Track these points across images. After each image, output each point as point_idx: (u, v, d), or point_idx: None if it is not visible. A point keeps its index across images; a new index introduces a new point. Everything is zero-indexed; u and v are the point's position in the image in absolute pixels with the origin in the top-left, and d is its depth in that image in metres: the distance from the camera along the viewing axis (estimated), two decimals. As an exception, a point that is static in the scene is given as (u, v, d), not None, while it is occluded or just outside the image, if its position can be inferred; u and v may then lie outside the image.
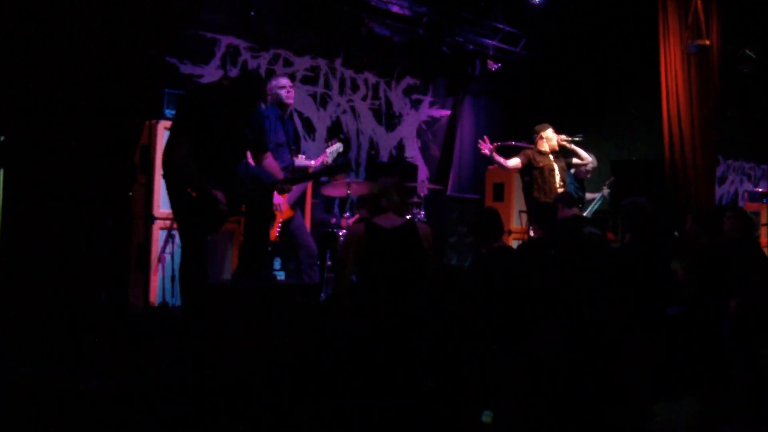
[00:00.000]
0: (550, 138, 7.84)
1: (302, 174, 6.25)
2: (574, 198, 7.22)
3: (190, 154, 4.75)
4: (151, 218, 6.07)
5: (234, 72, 8.55)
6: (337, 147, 6.78)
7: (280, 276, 6.71)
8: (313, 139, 9.46)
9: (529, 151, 7.84)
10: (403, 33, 10.15)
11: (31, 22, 4.51)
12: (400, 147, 10.66)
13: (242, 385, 4.02)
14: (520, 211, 8.53)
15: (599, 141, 10.57)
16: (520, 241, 8.56)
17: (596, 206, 9.18)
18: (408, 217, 4.83)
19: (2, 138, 4.56)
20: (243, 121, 5.02)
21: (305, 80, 9.38)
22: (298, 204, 6.59)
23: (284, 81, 6.45)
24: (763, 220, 10.19)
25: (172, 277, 6.08)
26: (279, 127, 6.34)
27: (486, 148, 7.63)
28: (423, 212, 8.35)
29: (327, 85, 9.67)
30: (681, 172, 8.86)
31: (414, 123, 10.90)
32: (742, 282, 5.41)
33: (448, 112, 11.26)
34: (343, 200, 8.14)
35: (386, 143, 10.49)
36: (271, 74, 8.81)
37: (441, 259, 5.13)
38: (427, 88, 11.09)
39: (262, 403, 3.97)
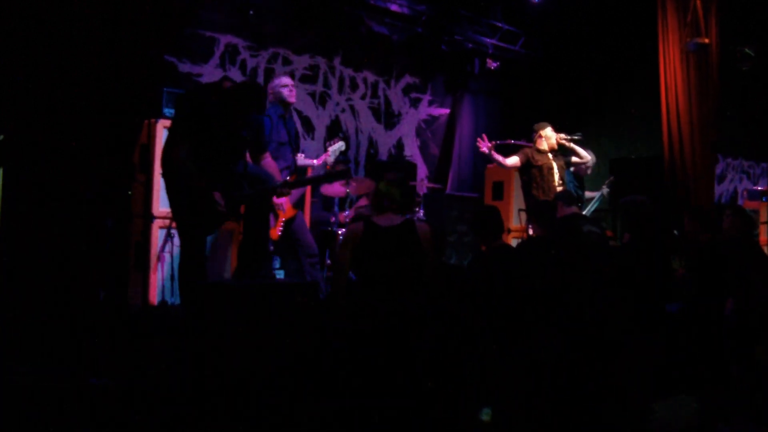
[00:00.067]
0: (549, 136, 7.84)
1: (302, 179, 6.25)
2: (573, 196, 7.22)
3: (189, 154, 4.75)
4: (150, 217, 6.06)
5: (233, 71, 8.54)
6: (339, 146, 6.78)
7: (280, 275, 6.71)
8: (312, 138, 9.46)
9: (528, 150, 7.84)
10: (402, 31, 10.15)
11: (31, 22, 4.51)
12: (400, 146, 10.66)
13: (242, 385, 4.02)
14: (520, 210, 8.53)
15: (599, 140, 10.57)
16: (520, 240, 8.56)
17: (595, 205, 9.19)
18: (407, 216, 4.81)
19: (2, 137, 4.56)
20: (242, 122, 5.02)
21: (304, 79, 9.38)
22: (299, 203, 6.59)
23: (286, 80, 6.45)
24: (763, 219, 10.19)
25: (172, 276, 6.08)
26: (281, 126, 6.34)
27: (485, 146, 7.63)
28: (422, 211, 8.35)
29: (326, 84, 9.66)
30: (680, 170, 8.86)
31: (413, 122, 10.90)
32: (741, 281, 5.40)
33: (447, 111, 11.27)
34: (342, 200, 8.14)
35: (385, 142, 10.49)
36: (270, 73, 8.82)
37: (440, 257, 5.13)
38: (426, 86, 11.09)
39: (262, 403, 3.97)
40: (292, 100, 6.45)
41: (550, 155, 7.81)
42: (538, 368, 4.00)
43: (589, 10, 10.92)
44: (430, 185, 9.66)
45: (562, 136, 7.90)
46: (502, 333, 4.40)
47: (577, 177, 8.59)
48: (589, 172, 8.63)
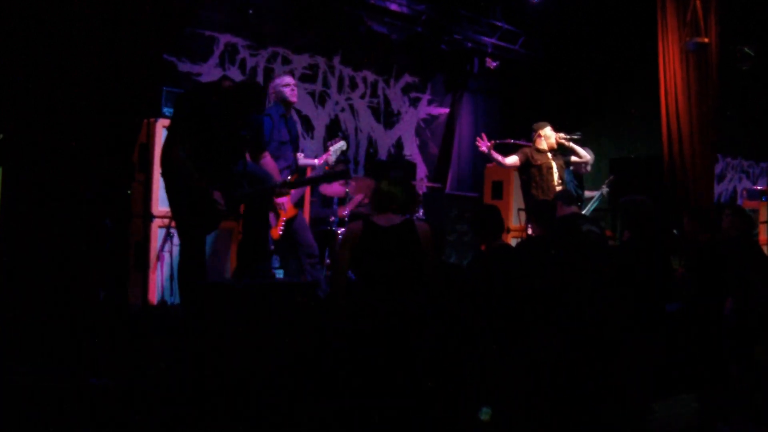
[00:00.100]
0: (548, 136, 7.85)
1: (302, 180, 6.25)
2: (573, 196, 7.22)
3: (189, 154, 4.75)
4: (149, 216, 6.06)
5: (233, 70, 8.54)
6: (340, 145, 6.78)
7: (279, 274, 6.71)
8: (312, 138, 9.46)
9: (527, 149, 7.85)
10: (402, 31, 10.15)
11: (31, 22, 4.50)
12: (399, 145, 10.66)
13: (242, 385, 4.03)
14: (519, 209, 8.53)
15: (599, 140, 10.58)
16: (519, 239, 8.57)
17: (595, 204, 9.19)
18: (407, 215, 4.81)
19: (2, 137, 4.55)
20: (242, 121, 5.02)
21: (304, 78, 9.38)
22: (300, 203, 6.60)
23: (288, 79, 6.44)
24: (762, 218, 10.20)
25: (171, 276, 6.07)
26: (282, 125, 6.34)
27: (484, 145, 7.64)
28: (422, 210, 8.36)
29: (325, 83, 9.67)
30: (680, 169, 8.87)
31: (412, 121, 10.90)
32: (740, 281, 5.41)
33: (446, 110, 11.27)
34: (342, 199, 8.14)
35: (385, 141, 10.49)
36: (269, 72, 8.82)
37: (439, 257, 5.12)
38: (426, 86, 11.09)
39: (262, 403, 3.97)
40: (294, 99, 6.44)
41: (549, 155, 7.82)
42: (538, 368, 4.00)
43: (589, 10, 10.92)
44: (430, 185, 9.66)
45: (562, 135, 7.90)
46: (502, 333, 4.40)
47: (577, 176, 8.60)
48: (588, 169, 8.63)
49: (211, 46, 8.38)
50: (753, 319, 5.25)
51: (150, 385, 4.06)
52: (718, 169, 12.50)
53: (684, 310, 5.55)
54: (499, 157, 7.74)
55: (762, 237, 10.05)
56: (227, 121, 4.90)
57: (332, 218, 7.73)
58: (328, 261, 7.46)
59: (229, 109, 4.89)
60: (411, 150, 10.82)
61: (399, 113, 10.67)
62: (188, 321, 4.79)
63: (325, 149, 6.87)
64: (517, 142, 7.99)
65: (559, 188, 7.64)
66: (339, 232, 7.26)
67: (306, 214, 7.13)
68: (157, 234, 6.12)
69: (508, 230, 8.82)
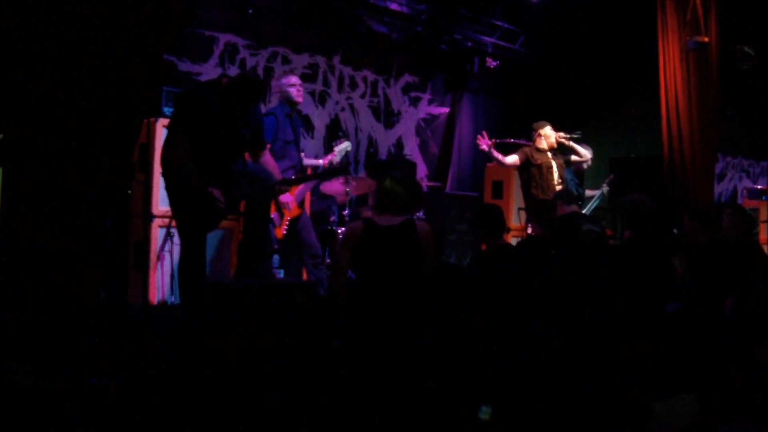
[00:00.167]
0: (548, 135, 7.85)
1: (302, 177, 6.26)
2: (573, 195, 7.22)
3: (189, 153, 4.75)
4: (149, 216, 6.06)
5: (233, 70, 8.54)
6: (345, 146, 6.78)
7: (280, 274, 6.71)
8: (312, 137, 9.46)
9: (527, 149, 7.85)
10: (402, 30, 10.14)
11: (31, 22, 4.50)
12: (399, 144, 10.66)
13: (242, 385, 4.03)
14: (519, 209, 8.53)
15: (599, 140, 10.57)
16: (519, 239, 8.57)
17: (596, 203, 9.19)
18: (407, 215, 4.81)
19: (2, 137, 4.55)
20: (242, 121, 5.01)
21: (304, 78, 9.33)
22: (303, 202, 6.60)
23: (294, 79, 6.44)
24: (762, 218, 10.20)
25: (171, 276, 6.07)
26: (287, 125, 6.34)
27: (484, 143, 7.64)
28: (422, 210, 8.35)
29: (326, 83, 9.66)
30: (680, 168, 8.86)
31: (413, 120, 10.90)
32: (741, 280, 5.40)
33: (446, 110, 11.26)
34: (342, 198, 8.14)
35: (385, 141, 10.49)
36: (269, 72, 8.82)
37: (439, 256, 5.12)
38: (426, 85, 11.09)
39: (262, 403, 3.97)
40: (300, 100, 6.45)
41: (549, 154, 7.82)
42: (538, 368, 4.00)
43: (589, 10, 10.92)
44: (430, 184, 9.65)
45: (562, 134, 7.90)
46: (502, 333, 4.40)
47: (578, 175, 8.59)
48: (589, 164, 8.64)
49: (211, 46, 8.38)
50: (753, 318, 5.24)
51: (150, 385, 4.06)
52: (718, 168, 12.50)
53: (684, 310, 5.54)
54: (500, 156, 7.74)
55: (762, 236, 10.05)
56: (227, 119, 4.90)
57: (332, 218, 7.73)
58: (328, 261, 7.46)
59: (229, 105, 4.89)
60: (411, 149, 10.82)
61: (399, 113, 10.66)
62: (188, 321, 4.79)
63: (329, 150, 6.86)
64: (517, 141, 7.99)
65: (559, 187, 7.64)
66: (339, 231, 7.26)
67: (305, 208, 7.14)
68: (157, 234, 6.12)
69: (508, 230, 8.82)
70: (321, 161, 6.77)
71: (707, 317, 5.37)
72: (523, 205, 8.12)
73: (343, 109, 9.91)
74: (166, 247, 6.07)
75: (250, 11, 8.35)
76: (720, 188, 13.11)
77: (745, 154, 13.91)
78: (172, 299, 6.11)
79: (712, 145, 9.05)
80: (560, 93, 11.61)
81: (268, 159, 5.39)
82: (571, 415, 3.90)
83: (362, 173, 9.82)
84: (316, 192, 8.12)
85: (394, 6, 9.68)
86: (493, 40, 10.93)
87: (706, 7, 8.80)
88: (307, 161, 6.73)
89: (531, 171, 7.79)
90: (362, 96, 10.17)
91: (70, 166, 4.70)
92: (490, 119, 11.75)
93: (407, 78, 10.78)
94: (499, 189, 9.29)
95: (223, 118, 4.87)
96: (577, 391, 3.93)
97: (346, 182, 7.05)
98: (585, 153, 8.05)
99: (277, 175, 5.42)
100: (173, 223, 5.88)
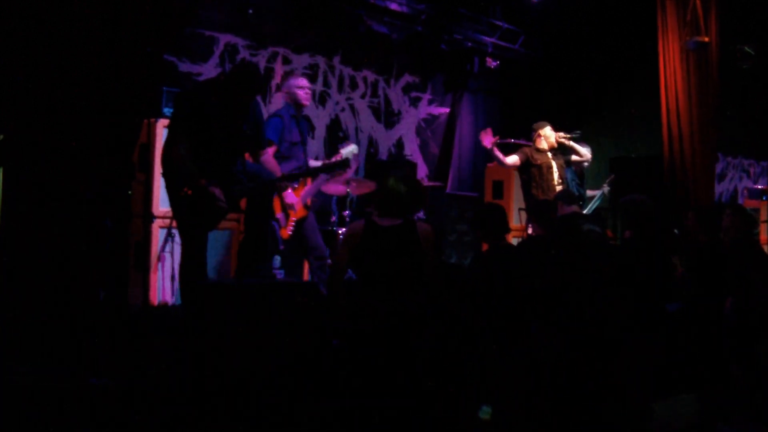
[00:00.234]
0: (548, 135, 7.86)
1: (301, 172, 6.25)
2: (573, 195, 7.23)
3: (189, 153, 4.75)
4: (150, 217, 6.06)
5: (233, 70, 8.53)
6: (351, 148, 6.77)
7: (280, 274, 6.71)
8: (312, 137, 9.45)
9: (527, 149, 7.86)
10: (402, 30, 10.13)
11: (31, 22, 4.50)
12: (399, 145, 10.65)
13: (242, 385, 4.02)
14: (520, 209, 8.53)
15: (599, 140, 10.57)
16: (520, 239, 8.57)
17: (596, 203, 9.19)
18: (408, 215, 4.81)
19: (2, 137, 4.55)
20: (242, 119, 5.01)
21: (304, 78, 9.37)
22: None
23: (303, 82, 6.46)
24: (763, 217, 10.21)
25: (172, 276, 6.07)
26: (294, 126, 6.35)
27: (488, 140, 7.63)
28: (422, 210, 8.35)
29: (326, 83, 9.65)
30: (680, 168, 8.86)
31: (413, 121, 10.89)
32: (741, 280, 5.40)
33: (447, 110, 11.26)
34: (342, 198, 8.13)
35: (385, 141, 10.48)
36: (269, 72, 8.82)
37: (439, 256, 5.13)
38: (426, 85, 11.08)
39: (262, 403, 3.97)
40: (306, 102, 6.48)
41: (549, 154, 7.83)
42: (538, 368, 4.00)
43: (589, 10, 10.91)
44: (430, 184, 9.65)
45: (562, 134, 7.91)
46: (502, 333, 4.40)
47: (579, 175, 8.60)
48: (588, 164, 8.64)
49: (211, 46, 8.37)
50: (753, 318, 5.24)
51: (150, 385, 4.06)
52: (718, 168, 12.49)
53: (684, 310, 5.54)
54: (501, 156, 7.75)
55: (763, 236, 10.05)
56: (227, 117, 4.89)
57: (333, 218, 7.72)
58: (329, 261, 7.45)
59: (228, 101, 4.89)
60: (411, 150, 10.81)
61: (399, 113, 10.66)
62: (188, 321, 4.80)
63: (334, 151, 6.86)
64: (518, 141, 8.00)
65: (559, 188, 7.64)
66: (339, 232, 7.26)
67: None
68: (157, 234, 6.12)
69: (509, 230, 8.81)
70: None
71: (707, 317, 5.37)
72: (523, 206, 8.12)
73: (343, 110, 9.91)
74: (167, 248, 6.07)
75: (250, 11, 8.35)
76: (720, 188, 13.11)
77: (745, 154, 13.90)
78: (172, 300, 6.11)
79: (712, 145, 9.06)
80: (560, 93, 11.60)
81: (268, 158, 5.39)
82: (571, 415, 3.90)
83: (362, 174, 9.82)
84: (317, 193, 8.11)
85: (394, 6, 9.68)
86: (493, 40, 10.93)
87: (706, 7, 8.80)
88: (313, 164, 6.74)
89: (531, 171, 7.80)
90: (362, 96, 10.16)
91: (70, 166, 4.69)
92: (491, 119, 11.73)
93: (407, 78, 10.77)
94: (499, 189, 9.30)
95: (223, 117, 4.87)
96: (577, 391, 3.93)
97: (347, 183, 7.05)
98: (585, 152, 8.05)
99: (278, 174, 5.42)
100: (174, 224, 5.89)
